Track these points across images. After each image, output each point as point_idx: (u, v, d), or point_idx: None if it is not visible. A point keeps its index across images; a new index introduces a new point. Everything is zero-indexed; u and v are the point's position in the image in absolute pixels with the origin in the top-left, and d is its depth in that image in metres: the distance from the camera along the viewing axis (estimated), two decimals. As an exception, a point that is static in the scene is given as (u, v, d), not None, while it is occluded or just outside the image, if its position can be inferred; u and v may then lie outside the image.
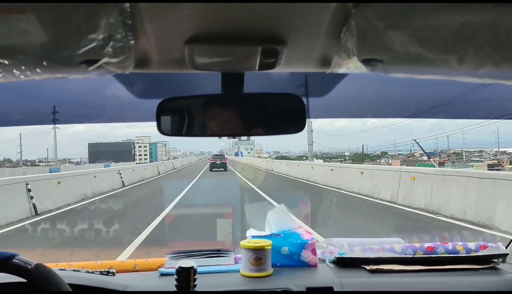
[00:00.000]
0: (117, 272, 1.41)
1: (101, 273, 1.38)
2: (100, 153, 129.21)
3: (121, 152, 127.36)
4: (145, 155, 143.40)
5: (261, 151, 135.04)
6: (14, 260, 0.89)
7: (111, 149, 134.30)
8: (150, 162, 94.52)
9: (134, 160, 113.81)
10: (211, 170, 31.73)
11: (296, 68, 0.99)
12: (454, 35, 0.72)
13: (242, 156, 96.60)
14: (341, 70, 0.88)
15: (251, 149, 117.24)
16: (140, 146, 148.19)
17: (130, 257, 5.57)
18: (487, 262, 1.51)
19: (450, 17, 0.70)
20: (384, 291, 1.35)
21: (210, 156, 47.87)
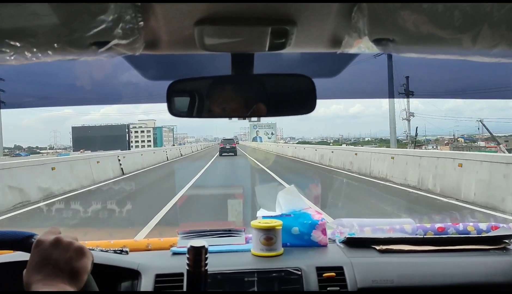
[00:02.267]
0: (131, 251, 1.44)
1: (115, 252, 1.41)
2: (86, 138, 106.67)
3: (113, 137, 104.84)
4: (149, 140, 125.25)
5: (277, 136, 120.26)
6: (33, 239, 0.91)
7: (100, 133, 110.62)
8: (154, 147, 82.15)
9: (128, 147, 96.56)
10: (220, 155, 31.57)
11: (306, 49, 0.98)
12: (467, 14, 0.71)
13: (261, 141, 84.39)
14: (352, 50, 0.87)
15: (272, 133, 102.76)
16: (143, 131, 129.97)
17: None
18: (498, 242, 1.51)
19: None
20: (394, 271, 1.36)
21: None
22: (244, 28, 0.81)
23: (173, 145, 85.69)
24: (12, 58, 0.76)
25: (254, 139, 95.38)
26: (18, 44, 0.73)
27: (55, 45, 0.74)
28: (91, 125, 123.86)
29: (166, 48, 0.92)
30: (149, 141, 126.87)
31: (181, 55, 1.05)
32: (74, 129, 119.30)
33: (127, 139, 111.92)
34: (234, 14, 0.77)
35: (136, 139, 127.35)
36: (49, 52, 0.76)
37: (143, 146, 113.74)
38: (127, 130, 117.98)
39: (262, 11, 0.77)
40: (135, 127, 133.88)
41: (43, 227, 0.93)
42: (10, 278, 1.16)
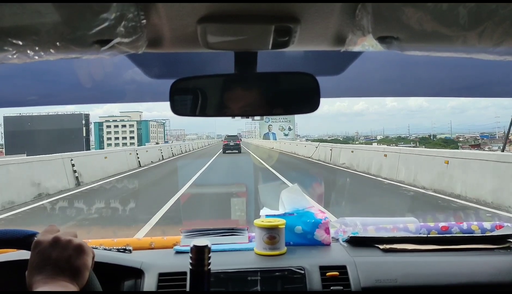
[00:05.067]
0: (134, 249, 1.44)
1: (118, 250, 1.41)
2: (25, 134, 73.16)
3: (63, 132, 72.36)
4: (131, 136, 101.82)
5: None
6: (35, 238, 0.91)
7: (45, 127, 75.22)
8: (138, 145, 63.32)
9: (87, 146, 69.13)
10: (224, 152, 31.05)
11: (310, 47, 0.98)
12: (472, 11, 0.70)
13: (275, 138, 67.59)
14: (356, 48, 0.87)
15: (290, 128, 79.69)
16: (125, 125, 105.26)
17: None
18: (502, 242, 1.50)
19: None
20: (397, 270, 1.35)
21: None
22: (248, 26, 0.80)
23: (157, 143, 65.94)
24: (15, 56, 0.76)
25: (266, 136, 75.55)
26: (20, 42, 0.73)
27: (58, 43, 0.74)
28: (32, 114, 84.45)
29: (169, 46, 0.92)
30: (132, 137, 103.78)
31: (184, 54, 1.05)
32: (7, 120, 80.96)
33: (84, 134, 76.04)
34: (237, 12, 0.77)
35: (116, 136, 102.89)
36: (52, 50, 0.76)
37: (124, 144, 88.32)
38: (84, 122, 79.00)
39: (265, 9, 0.76)
40: (116, 120, 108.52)
41: (44, 225, 0.93)
42: (13, 276, 1.16)
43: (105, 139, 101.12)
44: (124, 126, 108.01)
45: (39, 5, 0.66)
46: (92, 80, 1.61)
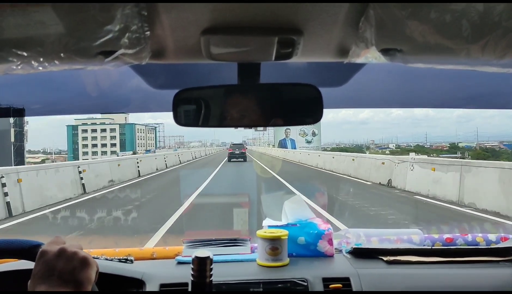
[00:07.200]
0: (135, 259, 1.43)
1: (120, 260, 1.40)
2: None
3: None
4: (113, 143, 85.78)
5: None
6: (41, 248, 0.91)
7: None
8: (120, 152, 55.12)
9: (19, 159, 43.77)
10: (229, 161, 30.62)
11: (313, 58, 0.98)
12: (475, 24, 0.70)
13: (294, 147, 53.71)
14: (359, 60, 0.87)
15: (314, 133, 61.82)
16: (105, 129, 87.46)
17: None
18: (508, 254, 1.48)
19: (471, 5, 0.68)
20: (401, 282, 1.34)
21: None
22: (251, 37, 0.81)
23: (134, 153, 54.18)
24: (19, 67, 0.77)
25: (283, 144, 59.32)
26: (25, 53, 0.74)
27: (62, 54, 0.75)
28: None
29: (172, 57, 0.92)
30: (113, 144, 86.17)
31: (188, 64, 1.05)
32: None
33: (13, 140, 48.13)
34: (240, 23, 0.77)
35: (94, 142, 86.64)
36: (56, 61, 0.76)
37: (103, 153, 77.34)
38: (12, 122, 47.86)
39: (268, 21, 0.77)
40: (94, 124, 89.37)
41: (49, 236, 0.93)
42: (14, 286, 1.16)
43: (80, 146, 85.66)
44: (104, 130, 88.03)
45: (43, 16, 0.67)
46: (96, 89, 1.61)
